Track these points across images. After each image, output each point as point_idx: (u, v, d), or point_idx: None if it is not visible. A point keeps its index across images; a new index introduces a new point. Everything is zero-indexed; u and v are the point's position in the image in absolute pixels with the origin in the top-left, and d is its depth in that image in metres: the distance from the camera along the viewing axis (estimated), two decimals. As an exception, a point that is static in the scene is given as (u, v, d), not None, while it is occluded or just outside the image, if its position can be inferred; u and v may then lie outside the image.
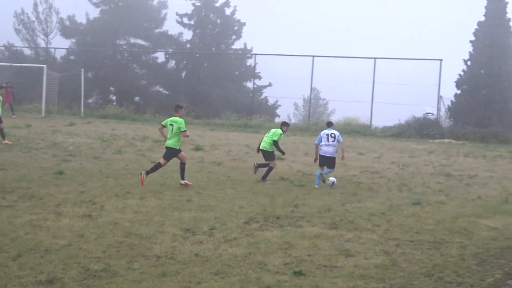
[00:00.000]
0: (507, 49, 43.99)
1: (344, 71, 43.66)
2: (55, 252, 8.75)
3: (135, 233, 9.95)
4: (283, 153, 18.40)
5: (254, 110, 48.09)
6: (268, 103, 54.29)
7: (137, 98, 55.82)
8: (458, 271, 8.67)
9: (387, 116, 40.62)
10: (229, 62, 56.74)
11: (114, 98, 58.16)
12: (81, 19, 59.58)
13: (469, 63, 44.85)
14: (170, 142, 16.05)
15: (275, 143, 18.05)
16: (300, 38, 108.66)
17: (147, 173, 15.16)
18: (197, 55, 56.25)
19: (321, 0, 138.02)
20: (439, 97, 40.93)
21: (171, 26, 59.35)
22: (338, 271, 8.43)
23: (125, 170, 17.25)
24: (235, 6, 58.01)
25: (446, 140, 35.44)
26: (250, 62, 55.39)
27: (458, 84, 44.86)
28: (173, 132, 16.04)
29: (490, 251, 9.93)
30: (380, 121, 41.03)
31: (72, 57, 57.99)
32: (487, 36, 43.99)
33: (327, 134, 17.49)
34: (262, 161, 18.05)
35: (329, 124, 18.41)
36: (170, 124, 16.25)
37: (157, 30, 59.95)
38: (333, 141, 17.26)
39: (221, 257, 8.90)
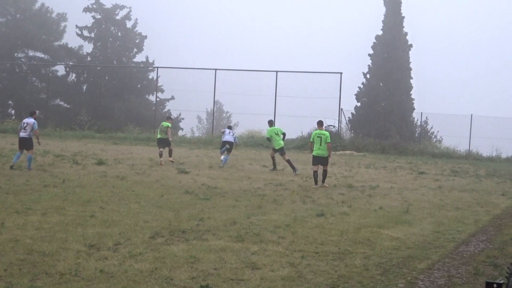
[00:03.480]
0: (404, 62, 45.28)
1: (247, 84, 44.13)
2: (-48, 272, 8.47)
3: (38, 250, 9.71)
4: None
5: (157, 123, 47.86)
6: (172, 117, 54.13)
7: (37, 112, 54.78)
8: (363, 281, 8.80)
9: (290, 128, 41.05)
10: (131, 75, 56.44)
11: (13, 112, 56.94)
12: (-23, 31, 58.17)
13: (368, 76, 45.95)
14: None
15: (283, 136, 24.17)
16: (202, 51, 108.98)
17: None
18: (98, 68, 55.68)
19: (222, 13, 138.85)
20: (340, 110, 41.72)
21: (71, 39, 58.76)
22: (245, 284, 8.43)
23: (26, 186, 16.82)
24: (136, 19, 57.93)
25: (348, 152, 36.15)
26: (152, 75, 55.33)
27: (358, 97, 45.91)
28: None
29: (393, 260, 10.14)
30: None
31: (-34, 70, 56.60)
32: (385, 50, 45.21)
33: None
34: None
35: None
36: None
37: (57, 43, 59.12)
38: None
39: (126, 272, 8.77)
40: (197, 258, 9.66)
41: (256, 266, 9.40)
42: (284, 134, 25.66)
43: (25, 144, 21.65)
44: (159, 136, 26.52)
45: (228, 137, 26.16)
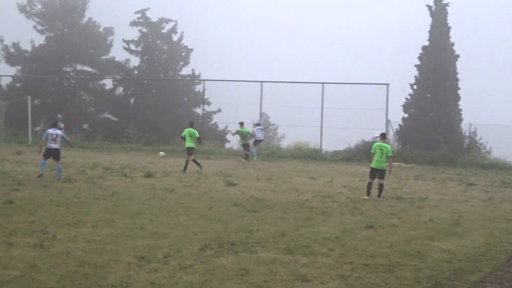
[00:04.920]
0: (451, 72, 44.75)
1: (293, 96, 43.96)
2: (7, 283, 8.58)
3: (89, 262, 9.79)
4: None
5: (204, 135, 47.95)
6: (218, 129, 54.23)
7: (85, 125, 55.34)
8: (414, 294, 8.71)
9: (337, 140, 40.96)
10: (178, 88, 56.65)
11: (62, 125, 57.56)
12: (26, 46, 58.96)
13: (415, 87, 45.52)
14: None
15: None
16: (249, 64, 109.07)
17: None
18: (145, 82, 56.06)
19: (267, 26, 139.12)
20: (387, 121, 41.37)
21: (118, 53, 59.11)
22: (295, 296, 8.40)
23: (76, 199, 17.00)
24: (182, 32, 58.04)
25: (396, 163, 35.83)
26: (198, 88, 55.39)
27: (405, 108, 45.47)
28: None
29: (444, 273, 10.02)
30: (330, 145, 41.37)
31: (18, 85, 57.34)
32: (432, 60, 44.71)
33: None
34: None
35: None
36: None
37: (104, 57, 59.63)
38: None
39: (177, 285, 8.81)
40: (246, 270, 9.66)
41: (306, 279, 9.37)
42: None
43: (57, 155, 22.40)
44: (191, 144, 27.44)
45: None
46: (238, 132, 35.46)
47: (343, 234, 13.10)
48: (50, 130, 22.68)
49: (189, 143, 27.39)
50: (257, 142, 36.17)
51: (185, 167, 26.52)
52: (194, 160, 27.13)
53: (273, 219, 14.84)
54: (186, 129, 27.79)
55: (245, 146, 35.42)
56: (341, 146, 40.81)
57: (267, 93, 43.81)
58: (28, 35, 59.35)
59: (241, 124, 35.65)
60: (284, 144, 48.61)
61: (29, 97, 45.14)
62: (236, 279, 9.23)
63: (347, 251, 11.39)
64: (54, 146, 22.40)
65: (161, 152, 26.31)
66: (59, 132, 22.75)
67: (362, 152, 38.17)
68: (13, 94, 51.28)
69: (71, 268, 9.46)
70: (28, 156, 29.97)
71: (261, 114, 45.95)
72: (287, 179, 24.73)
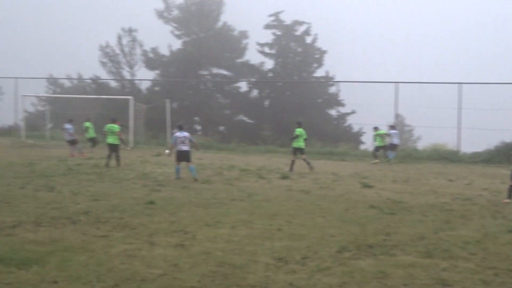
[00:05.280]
0: None
1: (429, 96, 43.11)
2: (151, 282, 8.82)
3: (228, 263, 9.93)
4: None
5: (339, 137, 47.85)
6: (352, 131, 54.00)
7: (221, 128, 56.35)
8: None
9: (476, 141, 39.82)
10: (312, 90, 56.80)
11: (199, 128, 58.84)
12: (164, 51, 60.69)
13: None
14: None
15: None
16: (383, 64, 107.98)
17: None
18: (280, 84, 56.46)
19: (402, 25, 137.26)
20: (531, 122, 39.97)
21: (253, 56, 59.87)
22: (438, 301, 8.23)
23: (214, 200, 17.30)
24: (316, 34, 58.17)
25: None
26: (332, 89, 55.36)
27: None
28: None
29: None
30: (468, 146, 40.31)
31: (156, 88, 59.20)
32: None
33: None
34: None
35: None
36: None
37: (239, 60, 60.53)
38: None
39: (315, 286, 8.80)
40: (385, 274, 9.54)
41: (447, 283, 9.16)
42: None
43: (188, 156, 22.85)
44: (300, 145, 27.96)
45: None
46: (378, 135, 35.39)
47: (484, 238, 12.71)
48: (178, 134, 23.21)
49: (298, 143, 27.78)
50: (393, 146, 35.68)
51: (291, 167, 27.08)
52: (304, 160, 27.77)
53: (411, 221, 14.59)
54: (298, 129, 28.20)
55: (377, 148, 35.31)
56: (480, 148, 39.68)
57: (403, 94, 43.21)
58: (165, 40, 61.11)
59: (375, 128, 35.85)
60: (420, 145, 47.76)
61: (167, 100, 46.36)
62: (375, 282, 9.13)
63: (489, 255, 11.05)
64: (184, 148, 22.90)
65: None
66: (186, 134, 23.20)
67: (502, 153, 36.92)
68: (152, 98, 52.81)
69: (211, 268, 9.62)
70: (167, 157, 30.76)
71: (396, 115, 45.37)
72: (425, 181, 24.29)
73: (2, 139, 46.97)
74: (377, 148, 34.98)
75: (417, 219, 14.92)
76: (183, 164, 22.75)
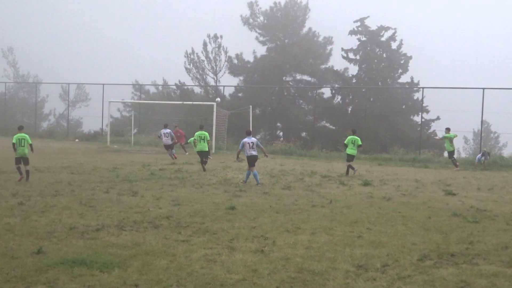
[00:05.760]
0: None
1: (517, 103, 42.20)
2: (230, 286, 8.90)
3: (308, 269, 9.93)
4: None
5: (423, 144, 47.22)
6: (436, 137, 53.23)
7: (303, 134, 56.23)
8: None
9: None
10: (396, 96, 56.23)
11: (281, 134, 58.94)
12: (248, 57, 61.06)
13: None
14: None
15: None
16: (469, 70, 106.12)
17: None
18: (363, 90, 56.07)
19: (489, 29, 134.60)
20: None
21: (337, 62, 59.66)
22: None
23: (295, 206, 17.33)
24: (401, 40, 57.54)
25: None
26: (417, 95, 54.66)
27: None
28: None
29: None
30: (557, 154, 39.28)
31: (240, 94, 59.57)
32: None
33: None
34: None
35: None
36: None
37: (323, 66, 60.38)
38: None
39: (395, 295, 8.73)
40: (467, 283, 9.39)
41: (531, 294, 8.95)
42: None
43: (255, 161, 23.29)
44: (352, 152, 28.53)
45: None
46: (444, 138, 34.61)
47: None
48: (246, 139, 23.48)
49: (351, 150, 28.54)
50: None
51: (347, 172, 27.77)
52: (350, 166, 28.12)
53: (495, 230, 14.30)
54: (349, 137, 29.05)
55: (450, 154, 34.54)
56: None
57: (489, 100, 42.33)
58: (250, 46, 61.50)
59: (447, 129, 34.72)
60: (506, 152, 46.75)
61: (250, 106, 46.62)
62: (457, 291, 9.01)
63: None
64: (253, 153, 23.19)
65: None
66: (254, 140, 23.52)
67: None
68: (235, 104, 53.15)
69: (291, 274, 9.64)
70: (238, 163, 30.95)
71: (482, 122, 44.53)
72: (510, 189, 23.75)
73: (89, 144, 48.16)
74: (450, 154, 34.35)
75: (501, 228, 14.62)
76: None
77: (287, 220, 14.75)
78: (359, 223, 14.71)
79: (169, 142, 35.15)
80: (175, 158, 34.08)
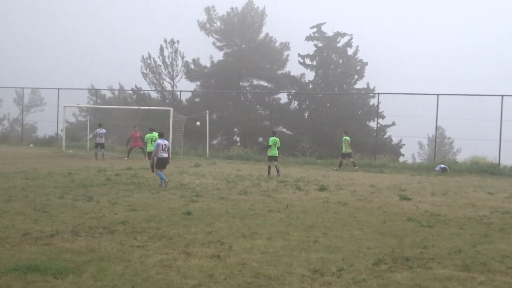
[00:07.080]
0: None
1: (470, 109, 42.76)
2: (186, 292, 8.88)
3: (264, 274, 9.95)
4: None
5: (378, 149, 47.64)
6: (392, 143, 53.83)
7: (260, 139, 56.43)
8: None
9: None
10: (352, 101, 56.73)
11: (238, 139, 59.08)
12: (205, 62, 61.15)
13: None
14: None
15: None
16: (423, 77, 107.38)
17: None
18: (320, 95, 56.44)
19: (444, 37, 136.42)
20: None
21: (293, 67, 60.06)
22: (472, 315, 8.17)
23: (251, 211, 17.35)
24: (357, 46, 58.13)
25: None
26: (373, 101, 55.24)
27: None
28: None
29: None
30: (509, 159, 39.88)
31: (197, 100, 59.60)
32: None
33: None
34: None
35: None
36: None
37: (280, 72, 60.73)
38: None
39: (350, 299, 8.79)
40: (421, 287, 9.49)
41: (484, 297, 9.08)
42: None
43: (165, 163, 24.12)
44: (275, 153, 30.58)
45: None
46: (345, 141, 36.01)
47: (523, 252, 12.59)
48: (160, 141, 23.87)
49: (272, 151, 30.53)
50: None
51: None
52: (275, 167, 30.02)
53: (449, 234, 14.49)
54: (271, 138, 30.95)
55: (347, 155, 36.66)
56: (521, 162, 39.25)
57: (443, 106, 42.87)
58: (207, 52, 61.64)
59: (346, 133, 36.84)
60: (460, 158, 47.37)
61: (207, 111, 46.60)
62: (411, 295, 9.10)
63: (527, 270, 10.93)
64: (164, 155, 23.77)
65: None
66: (167, 142, 24.13)
67: (545, 167, 36.51)
68: (192, 109, 53.11)
69: (247, 279, 9.65)
70: (206, 168, 30.90)
71: (436, 128, 45.05)
72: (463, 194, 24.08)
73: (43, 149, 47.66)
74: (344, 155, 36.17)
75: (455, 232, 14.81)
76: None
77: (243, 225, 14.76)
78: (315, 228, 14.78)
79: (102, 141, 37.04)
80: (96, 160, 36.01)
